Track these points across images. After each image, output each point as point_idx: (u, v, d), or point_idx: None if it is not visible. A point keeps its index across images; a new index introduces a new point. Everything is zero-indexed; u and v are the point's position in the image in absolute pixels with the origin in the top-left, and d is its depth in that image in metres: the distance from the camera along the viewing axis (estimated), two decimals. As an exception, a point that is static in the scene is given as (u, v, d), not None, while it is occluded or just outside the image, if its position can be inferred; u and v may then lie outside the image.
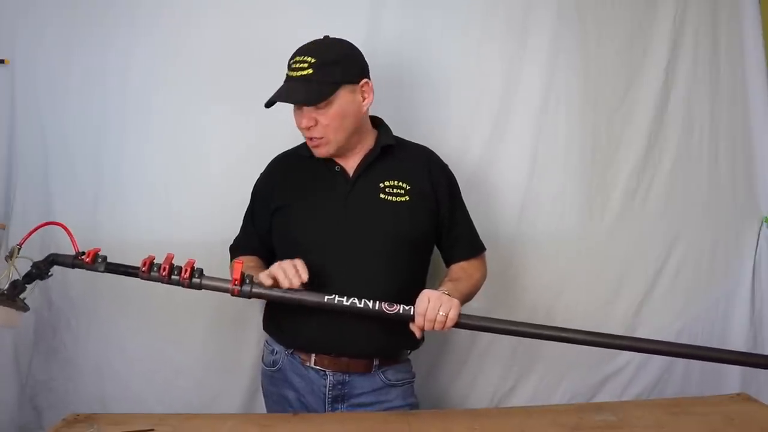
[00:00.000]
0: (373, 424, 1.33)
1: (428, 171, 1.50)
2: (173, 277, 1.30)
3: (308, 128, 1.39)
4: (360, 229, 1.42)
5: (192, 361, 1.78)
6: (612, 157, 1.88)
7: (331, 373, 1.44)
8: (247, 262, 1.50)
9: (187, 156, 1.76)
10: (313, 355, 1.45)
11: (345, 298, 1.32)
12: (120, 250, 1.74)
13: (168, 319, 1.75)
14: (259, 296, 1.34)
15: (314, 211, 1.45)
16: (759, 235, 1.94)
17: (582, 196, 1.87)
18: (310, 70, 1.35)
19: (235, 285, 1.31)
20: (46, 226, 1.38)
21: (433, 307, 1.30)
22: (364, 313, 1.32)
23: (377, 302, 1.32)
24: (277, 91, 1.39)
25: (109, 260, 1.34)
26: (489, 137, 1.83)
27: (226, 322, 1.75)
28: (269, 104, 1.39)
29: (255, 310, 1.69)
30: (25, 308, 1.32)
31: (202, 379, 1.78)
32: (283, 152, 1.57)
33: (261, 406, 1.72)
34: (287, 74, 1.40)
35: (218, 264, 1.60)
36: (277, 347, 1.51)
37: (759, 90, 1.90)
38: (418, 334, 1.34)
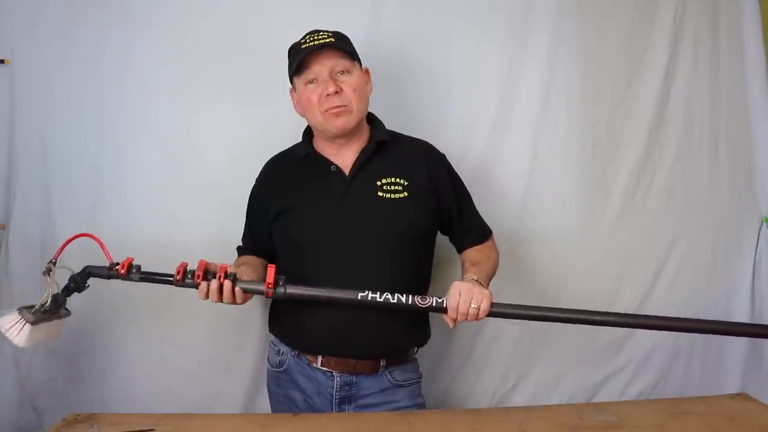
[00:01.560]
0: (374, 424, 1.33)
1: (426, 165, 1.49)
2: None
3: (336, 93, 1.39)
4: (359, 229, 1.41)
5: (192, 361, 1.78)
6: (612, 154, 1.88)
7: (338, 374, 1.44)
8: (241, 260, 1.53)
9: (187, 156, 1.76)
10: (320, 356, 1.45)
11: (378, 294, 1.31)
12: (120, 249, 1.74)
13: (168, 319, 1.75)
14: (293, 296, 1.33)
15: (313, 212, 1.44)
16: (759, 235, 1.94)
17: (582, 193, 1.87)
18: (332, 39, 1.41)
19: (269, 288, 1.31)
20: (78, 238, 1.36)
21: (464, 300, 1.30)
22: (398, 308, 1.32)
23: (410, 296, 1.32)
24: (308, 48, 1.39)
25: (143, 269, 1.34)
26: (490, 134, 1.83)
27: (226, 322, 1.75)
28: (299, 65, 1.40)
29: (256, 310, 1.69)
30: (67, 314, 1.36)
31: (202, 379, 1.78)
32: (277, 154, 1.57)
33: (261, 406, 1.73)
34: (306, 46, 1.40)
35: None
36: (283, 348, 1.50)
37: (759, 90, 1.90)
38: (451, 325, 1.34)
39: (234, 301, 1.32)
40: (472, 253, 1.54)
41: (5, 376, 1.73)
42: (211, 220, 1.73)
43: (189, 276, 1.31)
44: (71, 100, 1.73)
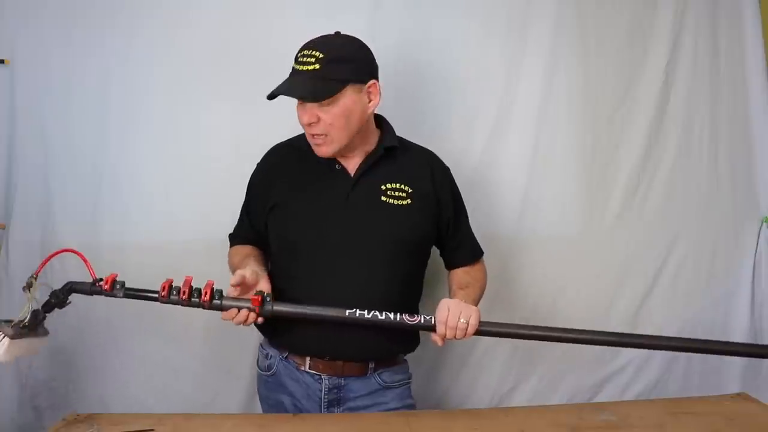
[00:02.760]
0: (373, 425, 1.33)
1: (431, 174, 1.48)
2: (193, 299, 1.29)
3: (310, 125, 1.35)
4: (360, 231, 1.40)
5: (191, 361, 1.78)
6: (612, 156, 1.88)
7: (326, 377, 1.42)
8: (242, 251, 1.51)
9: (187, 155, 1.76)
10: (308, 359, 1.43)
11: (366, 311, 1.30)
12: (120, 249, 1.74)
13: (167, 318, 1.74)
14: (280, 314, 1.31)
15: (312, 210, 1.42)
16: (759, 235, 1.94)
17: (582, 195, 1.87)
18: (317, 66, 1.31)
19: (255, 305, 1.29)
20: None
21: (453, 315, 1.28)
22: (386, 325, 1.31)
23: (398, 314, 1.31)
24: (282, 84, 1.35)
25: (127, 285, 1.31)
26: (489, 136, 1.83)
27: (225, 322, 1.74)
28: (271, 97, 1.35)
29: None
30: (45, 333, 1.32)
31: (201, 379, 1.78)
32: (281, 143, 1.53)
33: (260, 406, 1.73)
34: (294, 67, 1.35)
35: (219, 263, 1.60)
36: (272, 351, 1.49)
37: (759, 90, 1.90)
38: (440, 342, 1.32)
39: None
40: (460, 273, 1.53)
41: (5, 376, 1.73)
42: (211, 219, 1.72)
43: (174, 293, 1.29)
44: (71, 100, 1.73)
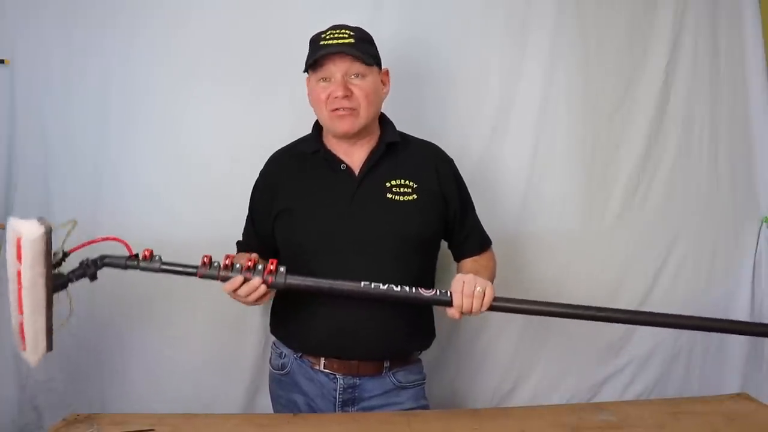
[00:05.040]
0: (374, 425, 1.33)
1: (435, 168, 1.48)
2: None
3: (344, 97, 1.36)
4: (367, 230, 1.39)
5: (192, 361, 1.78)
6: (612, 156, 1.88)
7: (341, 377, 1.42)
8: (243, 255, 1.50)
9: (187, 155, 1.76)
10: (323, 358, 1.43)
11: (381, 284, 1.28)
12: (120, 250, 1.74)
13: (168, 318, 1.75)
14: (292, 287, 1.29)
15: (319, 213, 1.41)
16: (759, 235, 1.94)
17: (582, 195, 1.87)
18: (352, 41, 1.38)
19: (269, 275, 1.27)
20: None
21: (469, 284, 1.27)
22: (401, 298, 1.29)
23: (413, 287, 1.30)
24: (322, 48, 1.36)
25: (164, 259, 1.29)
26: (489, 136, 1.83)
27: (226, 322, 1.75)
28: (313, 65, 1.37)
29: (256, 309, 1.69)
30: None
31: (202, 379, 1.78)
32: (281, 149, 1.53)
33: (261, 406, 1.73)
34: (324, 43, 1.37)
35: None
36: (285, 350, 1.49)
37: (759, 90, 1.90)
38: (457, 316, 1.29)
39: (255, 299, 1.28)
40: (469, 263, 1.52)
41: (5, 376, 1.73)
42: (211, 219, 1.73)
43: (213, 269, 1.28)
44: (71, 100, 1.73)
